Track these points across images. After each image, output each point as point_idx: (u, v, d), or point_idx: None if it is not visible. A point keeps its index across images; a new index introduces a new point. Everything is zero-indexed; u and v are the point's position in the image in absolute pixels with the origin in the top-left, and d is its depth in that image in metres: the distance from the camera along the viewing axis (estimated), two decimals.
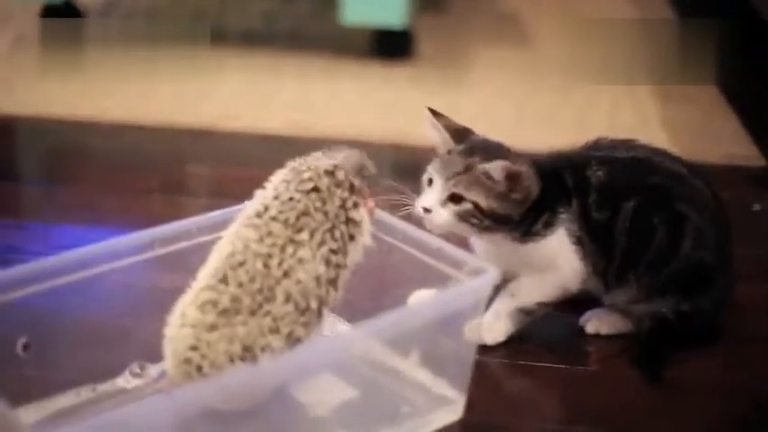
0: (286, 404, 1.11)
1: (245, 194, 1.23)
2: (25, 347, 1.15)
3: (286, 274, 1.12)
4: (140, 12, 3.02)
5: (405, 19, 2.49)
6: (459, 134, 1.37)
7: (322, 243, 1.15)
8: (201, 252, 1.24)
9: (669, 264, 1.37)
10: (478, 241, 1.38)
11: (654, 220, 1.36)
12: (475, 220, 1.31)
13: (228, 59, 2.48)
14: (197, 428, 1.02)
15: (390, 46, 2.53)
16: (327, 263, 1.15)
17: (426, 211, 1.32)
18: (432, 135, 1.38)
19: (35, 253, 1.57)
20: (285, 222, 1.15)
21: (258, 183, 1.23)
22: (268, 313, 1.10)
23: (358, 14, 2.48)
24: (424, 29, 2.69)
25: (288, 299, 1.11)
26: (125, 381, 1.24)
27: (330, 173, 1.19)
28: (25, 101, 2.26)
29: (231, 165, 1.99)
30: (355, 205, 1.19)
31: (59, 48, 2.60)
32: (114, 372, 1.24)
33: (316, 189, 1.17)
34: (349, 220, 1.17)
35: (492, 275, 1.14)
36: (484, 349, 1.31)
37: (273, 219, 1.16)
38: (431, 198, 1.32)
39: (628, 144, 1.44)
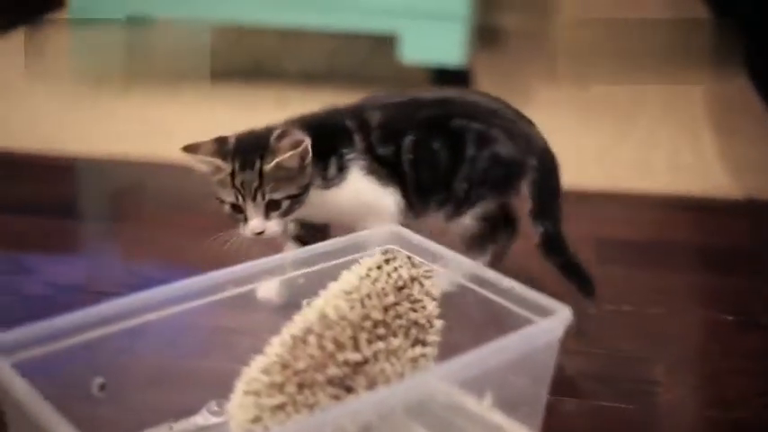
0: None
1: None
2: (101, 387, 1.15)
3: (375, 357, 1.11)
4: (201, 52, 3.05)
5: (463, 57, 2.49)
6: (221, 150, 1.38)
7: (415, 343, 1.16)
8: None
9: (459, 173, 1.46)
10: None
11: (434, 146, 1.46)
12: (296, 206, 1.38)
13: (289, 98, 2.49)
14: None
15: (449, 83, 2.54)
16: (414, 362, 1.15)
17: (259, 234, 1.37)
18: (200, 168, 1.39)
19: (100, 292, 1.59)
20: (380, 300, 1.17)
21: None
22: (348, 391, 1.09)
23: (417, 53, 2.50)
24: (481, 66, 2.70)
25: (370, 386, 1.10)
26: (204, 419, 1.25)
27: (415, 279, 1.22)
28: (84, 140, 2.29)
29: None
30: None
31: (118, 88, 2.64)
32: (188, 411, 1.25)
33: (405, 287, 1.20)
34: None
35: (565, 315, 1.13)
36: (556, 390, 1.30)
37: (368, 296, 1.17)
38: (256, 221, 1.36)
39: (402, 92, 1.53)
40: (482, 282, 1.23)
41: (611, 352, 1.47)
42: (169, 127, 2.39)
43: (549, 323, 1.14)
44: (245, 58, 3.00)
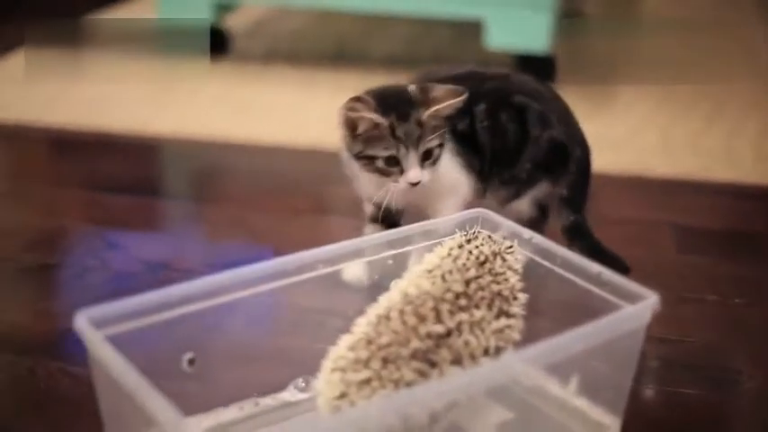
0: (441, 424, 1.11)
1: None
2: (191, 362, 1.17)
3: (458, 329, 1.12)
4: (285, 36, 3.07)
5: (548, 44, 2.49)
6: (369, 106, 1.37)
7: (499, 314, 1.16)
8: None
9: (525, 152, 1.47)
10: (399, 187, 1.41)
11: (502, 117, 1.47)
12: (439, 158, 1.41)
13: (371, 83, 2.49)
14: None
15: (533, 71, 2.52)
16: (498, 333, 1.15)
17: (415, 184, 1.38)
18: (361, 124, 1.38)
19: (189, 270, 1.62)
20: (461, 275, 1.17)
21: None
22: (432, 366, 1.09)
23: (502, 39, 2.50)
24: (566, 54, 2.69)
25: (455, 360, 1.10)
26: (291, 395, 1.27)
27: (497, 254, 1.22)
28: (178, 121, 2.32)
29: None
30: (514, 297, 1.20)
31: (209, 69, 2.67)
32: (275, 387, 1.27)
33: (486, 262, 1.21)
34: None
35: (653, 301, 1.13)
36: (640, 377, 1.30)
37: (449, 272, 1.18)
38: (416, 170, 1.37)
39: (457, 66, 1.55)
40: (569, 266, 1.23)
41: (695, 340, 1.47)
42: (255, 109, 2.42)
43: (636, 309, 1.14)
44: (329, 43, 3.01)
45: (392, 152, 1.36)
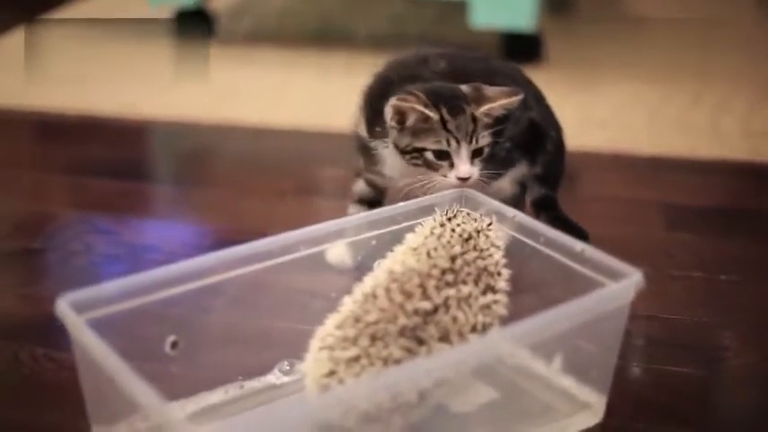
0: (426, 404, 1.11)
1: None
2: (173, 345, 1.16)
3: (445, 305, 1.12)
4: (270, 16, 3.06)
5: (533, 22, 2.48)
6: (420, 99, 1.35)
7: (486, 290, 1.16)
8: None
9: (505, 131, 1.43)
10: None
11: None
12: (487, 157, 1.39)
13: (356, 62, 2.49)
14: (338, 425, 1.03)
15: (519, 49, 2.53)
16: (485, 309, 1.15)
17: (465, 179, 1.35)
18: (411, 115, 1.35)
19: (174, 253, 1.62)
20: (446, 251, 1.17)
21: None
22: (420, 343, 1.09)
23: (487, 18, 2.49)
24: (552, 32, 2.68)
25: (442, 337, 1.10)
26: (275, 378, 1.26)
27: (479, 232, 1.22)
28: (162, 104, 2.31)
29: None
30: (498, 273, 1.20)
31: (192, 52, 2.66)
32: (259, 370, 1.26)
33: (470, 238, 1.21)
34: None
35: (636, 278, 1.13)
36: (625, 354, 1.29)
37: (434, 249, 1.18)
38: (466, 166, 1.35)
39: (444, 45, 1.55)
40: (553, 244, 1.23)
41: (681, 318, 1.46)
42: (240, 90, 2.42)
43: (620, 287, 1.13)
44: (314, 23, 3.01)
45: (443, 146, 1.35)
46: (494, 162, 1.44)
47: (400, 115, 1.35)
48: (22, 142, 2.21)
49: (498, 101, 1.36)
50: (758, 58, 2.68)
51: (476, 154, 1.36)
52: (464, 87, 1.38)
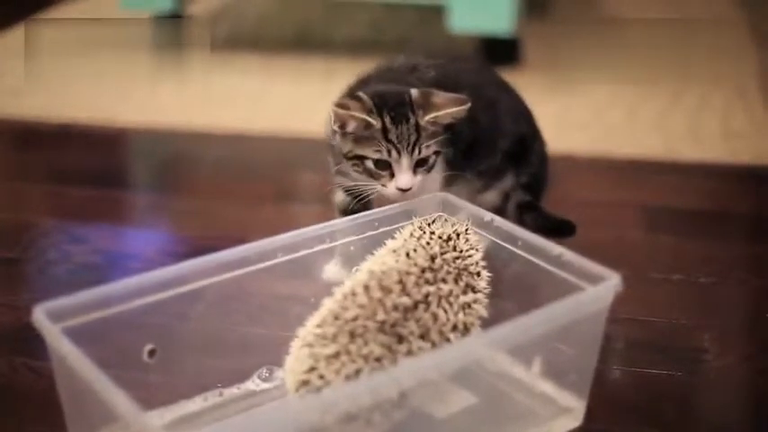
0: (405, 410, 1.11)
1: None
2: (151, 353, 1.16)
3: (425, 301, 1.12)
4: (248, 22, 3.06)
5: (512, 26, 2.48)
6: (365, 106, 1.32)
7: (466, 289, 1.17)
8: (322, 261, 1.28)
9: (498, 143, 1.46)
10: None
11: (479, 108, 1.39)
12: (434, 165, 1.35)
13: (335, 68, 2.49)
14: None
15: (498, 53, 2.53)
16: (466, 308, 1.16)
17: (406, 190, 1.32)
18: (350, 122, 1.32)
19: (152, 260, 1.61)
20: (426, 251, 1.18)
21: None
22: (400, 340, 1.09)
23: (465, 22, 2.49)
24: (530, 36, 2.69)
25: (423, 335, 1.10)
26: (255, 385, 1.26)
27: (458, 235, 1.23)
28: (140, 110, 2.31)
29: None
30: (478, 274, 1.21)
31: (170, 57, 2.65)
32: (239, 377, 1.26)
33: (450, 240, 1.21)
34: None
35: (614, 282, 1.13)
36: (604, 358, 1.29)
37: (413, 249, 1.18)
38: (407, 176, 1.31)
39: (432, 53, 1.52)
40: (531, 248, 1.23)
41: (661, 320, 1.47)
42: (217, 96, 2.41)
43: (598, 290, 1.13)
44: (293, 28, 3.00)
45: (383, 155, 1.31)
46: (487, 172, 1.44)
47: (341, 120, 1.32)
48: (0, 151, 2.20)
49: (445, 109, 1.31)
50: (737, 59, 2.69)
51: (419, 164, 1.32)
52: (413, 92, 1.33)
